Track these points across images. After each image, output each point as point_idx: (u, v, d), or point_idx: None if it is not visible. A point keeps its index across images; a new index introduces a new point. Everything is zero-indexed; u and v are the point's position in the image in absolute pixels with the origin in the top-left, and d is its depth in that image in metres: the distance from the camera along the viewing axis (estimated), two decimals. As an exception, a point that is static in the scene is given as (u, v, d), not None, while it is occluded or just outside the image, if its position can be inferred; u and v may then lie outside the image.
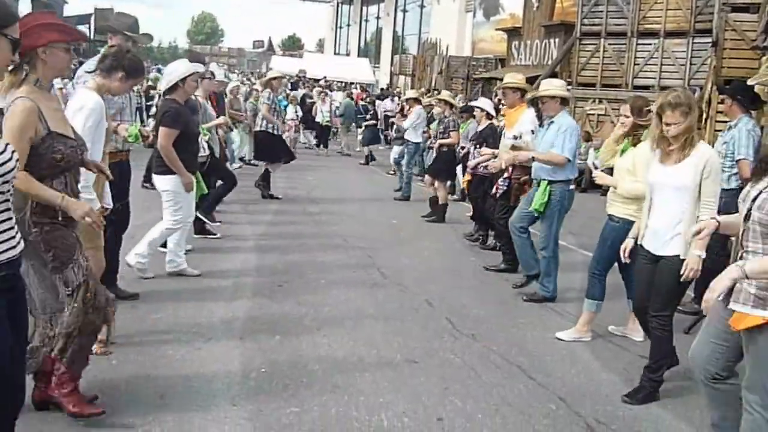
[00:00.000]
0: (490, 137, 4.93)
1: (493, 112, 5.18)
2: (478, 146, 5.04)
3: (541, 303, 3.54)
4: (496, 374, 2.60)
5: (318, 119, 11.07)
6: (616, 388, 2.53)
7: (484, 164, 4.92)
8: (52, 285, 1.88)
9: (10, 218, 1.45)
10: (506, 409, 2.31)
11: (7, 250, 1.42)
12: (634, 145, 2.86)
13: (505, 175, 4.09)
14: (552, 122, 3.53)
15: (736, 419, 1.85)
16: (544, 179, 3.49)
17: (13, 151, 1.43)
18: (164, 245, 3.56)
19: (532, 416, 2.27)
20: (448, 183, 6.32)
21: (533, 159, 3.51)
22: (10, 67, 1.70)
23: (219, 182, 4.71)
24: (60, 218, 1.85)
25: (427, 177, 6.08)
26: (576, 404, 2.39)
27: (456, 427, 2.16)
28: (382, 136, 11.13)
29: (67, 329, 1.89)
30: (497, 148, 4.72)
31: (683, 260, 2.28)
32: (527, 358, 2.78)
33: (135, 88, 3.28)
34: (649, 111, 2.82)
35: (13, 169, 1.42)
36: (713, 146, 4.00)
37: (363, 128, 10.72)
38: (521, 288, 3.71)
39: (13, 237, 1.45)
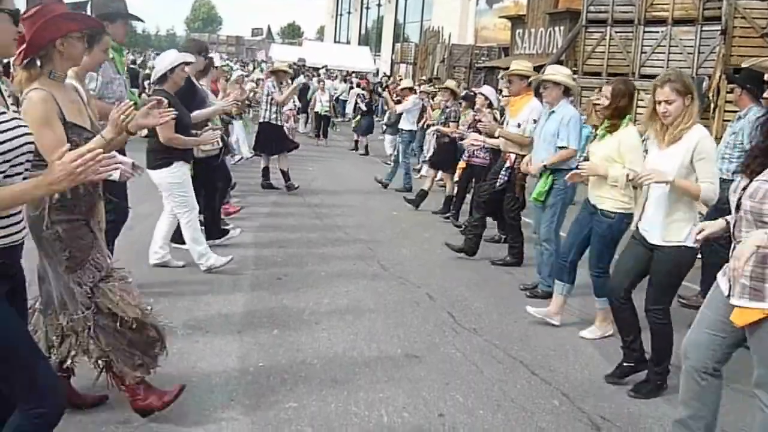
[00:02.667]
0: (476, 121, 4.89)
1: (495, 102, 5.10)
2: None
3: (545, 299, 3.48)
4: (498, 369, 2.57)
5: (317, 109, 10.94)
6: (620, 383, 2.49)
7: (479, 150, 4.89)
8: (67, 286, 1.84)
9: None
10: (508, 404, 2.28)
11: (5, 236, 1.36)
12: (611, 132, 2.73)
13: (507, 164, 4.01)
14: (553, 112, 3.42)
15: (706, 422, 1.82)
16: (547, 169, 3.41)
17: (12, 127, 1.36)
18: (182, 242, 3.55)
19: (535, 412, 2.24)
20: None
21: (551, 171, 3.34)
22: (21, 62, 1.67)
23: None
24: (79, 215, 1.82)
25: (429, 169, 6.00)
26: (579, 400, 2.35)
27: (457, 422, 2.13)
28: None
29: (74, 329, 1.84)
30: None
31: (678, 249, 2.26)
32: (530, 353, 2.74)
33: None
34: (631, 96, 2.74)
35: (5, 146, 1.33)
36: (721, 136, 3.92)
37: (359, 117, 10.62)
38: (530, 290, 3.58)
39: (14, 224, 1.39)
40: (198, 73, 4.10)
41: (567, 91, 3.42)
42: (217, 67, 4.84)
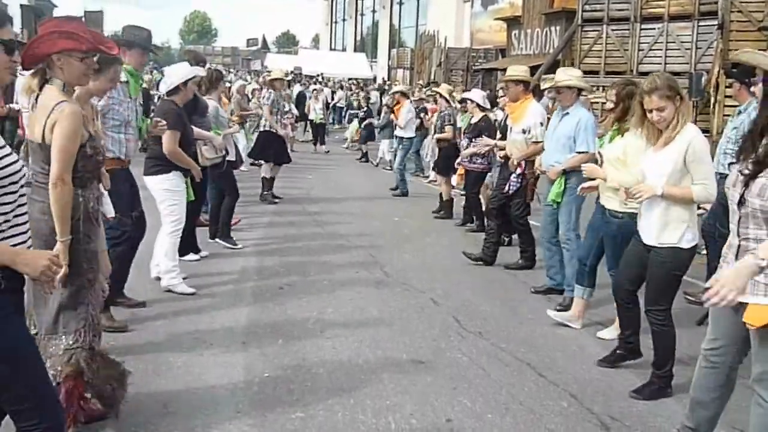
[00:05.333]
0: (486, 129, 4.87)
1: (484, 104, 5.10)
2: (473, 139, 5.00)
3: (566, 308, 3.31)
4: (505, 372, 2.55)
5: (311, 117, 10.98)
6: (628, 383, 2.47)
7: (476, 156, 4.89)
8: (75, 303, 1.81)
9: (24, 222, 1.40)
10: (516, 407, 2.26)
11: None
12: (622, 133, 2.75)
13: (518, 171, 3.98)
14: (567, 113, 3.38)
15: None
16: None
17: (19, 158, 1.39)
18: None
19: (544, 415, 2.22)
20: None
21: (564, 171, 3.31)
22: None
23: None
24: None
25: (436, 174, 6.01)
26: (588, 401, 2.34)
27: (465, 427, 2.12)
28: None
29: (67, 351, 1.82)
30: (494, 139, 4.65)
31: (673, 250, 2.26)
32: (537, 355, 2.73)
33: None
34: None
35: (18, 171, 1.36)
36: (722, 131, 3.90)
37: (359, 127, 10.67)
38: (544, 294, 3.54)
39: (24, 242, 1.39)
40: (206, 86, 4.14)
41: (579, 92, 3.41)
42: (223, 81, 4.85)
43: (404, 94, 7.45)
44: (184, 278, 3.48)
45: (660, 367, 2.38)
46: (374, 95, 11.69)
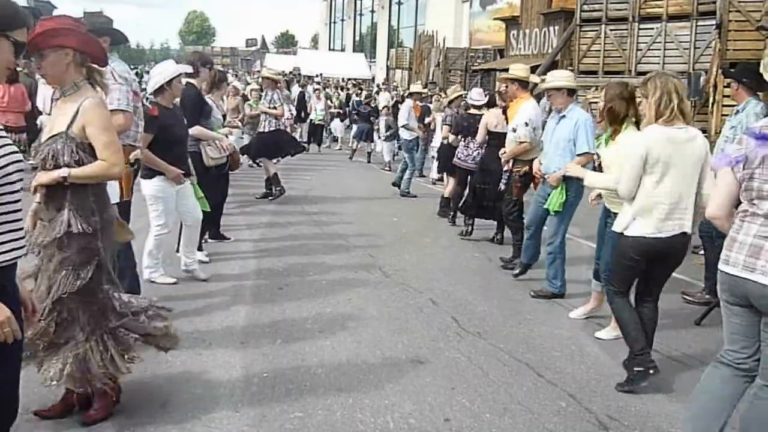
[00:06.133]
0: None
1: (476, 101, 5.12)
2: (459, 136, 5.05)
3: (550, 299, 3.47)
4: (504, 372, 2.56)
5: (312, 117, 10.95)
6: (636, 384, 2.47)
7: (465, 155, 4.94)
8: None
9: (14, 220, 1.38)
10: (515, 407, 2.27)
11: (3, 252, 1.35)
12: (614, 137, 2.72)
13: (505, 168, 4.02)
14: (564, 116, 3.34)
15: None
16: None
17: (12, 152, 1.37)
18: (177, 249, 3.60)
19: (542, 414, 2.23)
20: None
21: (564, 178, 3.27)
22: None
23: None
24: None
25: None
26: (586, 400, 2.34)
27: (464, 427, 2.12)
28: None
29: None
30: (470, 134, 4.78)
31: (617, 236, 2.40)
32: (535, 355, 2.73)
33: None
34: (628, 99, 2.72)
35: (16, 171, 1.35)
36: (720, 131, 3.91)
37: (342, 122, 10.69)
38: (513, 271, 3.69)
39: (10, 241, 1.37)
40: (209, 87, 4.13)
41: (572, 92, 3.37)
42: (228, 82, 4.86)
43: (411, 95, 7.55)
44: (181, 278, 3.51)
45: (630, 349, 2.43)
46: (385, 97, 11.52)
